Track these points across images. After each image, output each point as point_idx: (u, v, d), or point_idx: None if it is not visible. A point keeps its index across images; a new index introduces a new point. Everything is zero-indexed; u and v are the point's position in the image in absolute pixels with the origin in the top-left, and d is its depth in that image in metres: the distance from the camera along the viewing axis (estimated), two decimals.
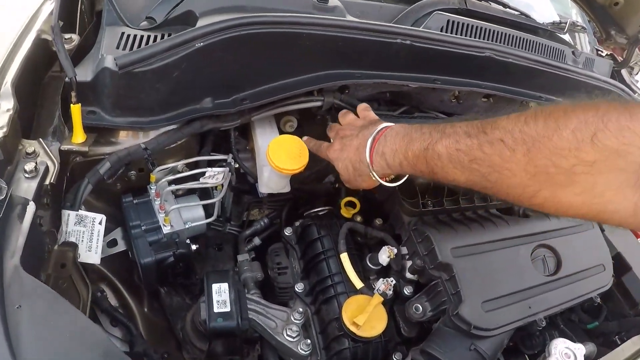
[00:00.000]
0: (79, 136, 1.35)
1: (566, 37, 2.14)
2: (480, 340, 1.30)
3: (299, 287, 1.47)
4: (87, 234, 1.33)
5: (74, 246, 1.27)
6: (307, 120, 1.71)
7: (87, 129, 1.38)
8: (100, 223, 1.34)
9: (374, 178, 1.29)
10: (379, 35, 1.47)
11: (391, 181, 1.33)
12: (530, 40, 1.82)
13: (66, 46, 1.44)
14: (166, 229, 1.40)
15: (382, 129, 1.28)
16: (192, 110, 1.43)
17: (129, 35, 1.45)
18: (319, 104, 1.55)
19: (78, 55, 1.46)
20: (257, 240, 1.69)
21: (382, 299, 1.35)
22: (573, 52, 1.94)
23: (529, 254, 1.49)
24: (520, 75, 1.73)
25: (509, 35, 1.78)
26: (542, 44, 1.84)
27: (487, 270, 1.40)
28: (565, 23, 1.96)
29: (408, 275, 1.44)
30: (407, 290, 1.44)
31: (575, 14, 2.34)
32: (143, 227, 1.40)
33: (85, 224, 1.33)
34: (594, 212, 0.96)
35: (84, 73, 1.36)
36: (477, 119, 1.13)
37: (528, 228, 1.54)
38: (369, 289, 1.40)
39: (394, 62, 1.53)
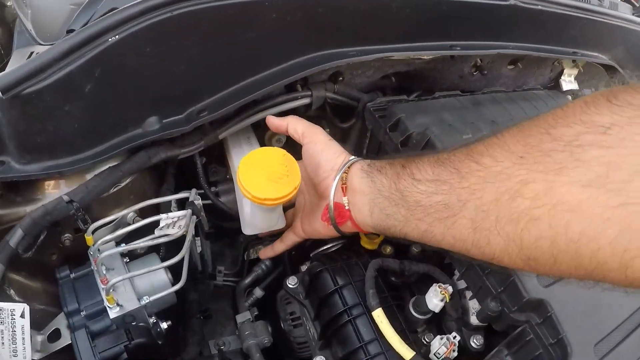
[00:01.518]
0: None
1: None
2: None
3: None
4: (8, 332, 0.79)
5: None
6: None
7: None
8: (22, 316, 0.79)
9: None
10: None
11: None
12: None
13: None
14: (113, 312, 0.82)
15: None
16: (133, 138, 0.87)
17: (38, 54, 0.89)
18: (306, 101, 0.97)
19: None
20: (258, 292, 1.10)
21: None
22: None
23: None
24: (550, 27, 1.15)
25: None
26: None
27: (587, 295, 0.78)
28: None
29: (474, 320, 0.83)
30: (476, 342, 0.83)
31: None
32: (83, 313, 0.82)
33: (2, 319, 0.79)
34: None
35: None
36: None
37: None
38: (423, 358, 0.79)
39: (397, 29, 0.96)
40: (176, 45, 0.84)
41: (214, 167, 1.08)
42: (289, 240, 0.97)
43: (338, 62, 0.91)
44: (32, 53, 0.91)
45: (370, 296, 0.83)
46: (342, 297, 0.87)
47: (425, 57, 0.98)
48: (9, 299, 0.91)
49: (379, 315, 0.81)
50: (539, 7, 1.07)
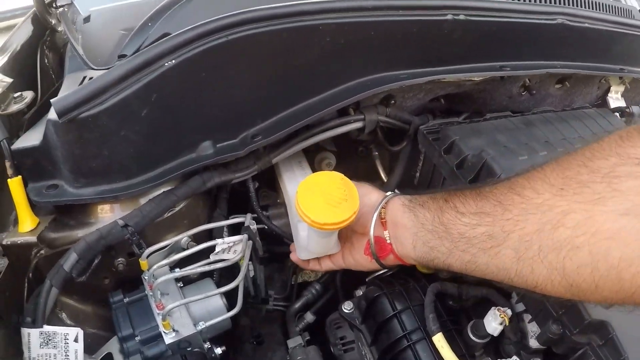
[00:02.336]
0: (25, 222, 0.80)
1: None
2: None
3: None
4: (61, 356, 0.77)
5: None
6: (346, 154, 1.10)
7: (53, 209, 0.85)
8: (76, 340, 0.77)
9: None
10: (422, 13, 0.86)
11: None
12: (596, 1, 1.13)
13: (17, 105, 0.90)
14: (169, 337, 0.78)
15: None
16: (187, 162, 0.84)
17: (91, 79, 0.88)
18: (359, 125, 0.93)
19: (37, 117, 0.93)
20: (309, 317, 1.06)
21: None
22: None
23: None
24: (596, 44, 1.10)
25: None
26: (609, 4, 1.17)
27: None
28: None
29: (533, 344, 0.78)
30: None
31: None
32: (138, 338, 0.79)
33: (56, 343, 0.76)
34: None
35: (37, 136, 0.81)
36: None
37: None
38: None
39: (447, 50, 0.92)
40: (231, 70, 0.81)
41: (264, 192, 1.04)
42: (325, 266, 0.91)
43: (391, 85, 0.87)
44: (84, 77, 0.88)
45: (430, 321, 0.78)
46: (401, 321, 0.82)
47: (475, 79, 0.94)
48: (61, 323, 0.89)
49: (439, 339, 0.76)
50: (586, 24, 1.03)
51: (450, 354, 0.75)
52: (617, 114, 1.15)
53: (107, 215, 0.84)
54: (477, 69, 0.93)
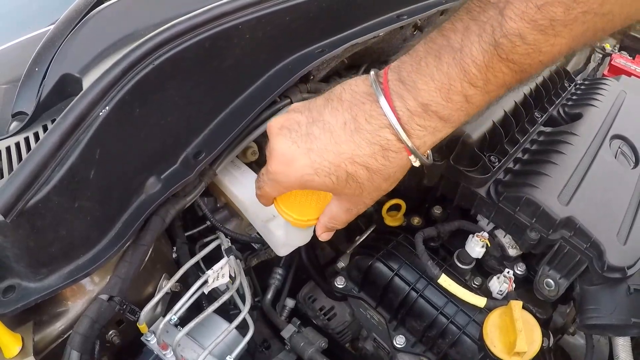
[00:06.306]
0: (10, 345, 0.64)
1: None
2: (631, 278, 0.77)
3: (400, 342, 0.85)
4: None
5: None
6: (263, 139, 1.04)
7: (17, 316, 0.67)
8: None
9: (416, 161, 0.54)
10: None
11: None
12: None
13: None
14: None
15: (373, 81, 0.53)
16: (141, 207, 0.73)
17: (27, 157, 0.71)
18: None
19: None
20: (290, 302, 1.04)
21: (520, 303, 0.77)
22: None
23: (612, 155, 0.95)
24: None
25: None
26: None
27: (597, 197, 0.86)
28: None
29: (512, 253, 0.86)
30: (519, 269, 0.86)
31: None
32: None
33: None
34: None
35: None
36: None
37: (590, 126, 1.00)
38: (494, 301, 0.81)
39: (353, 14, 0.90)
40: (161, 96, 0.70)
41: (201, 199, 0.95)
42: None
43: (314, 63, 0.81)
44: None
45: (430, 267, 0.81)
46: (403, 278, 0.85)
47: (381, 34, 0.93)
48: None
49: (445, 279, 0.80)
50: None
51: (459, 288, 0.80)
52: None
53: (80, 297, 0.72)
54: (380, 24, 0.92)
